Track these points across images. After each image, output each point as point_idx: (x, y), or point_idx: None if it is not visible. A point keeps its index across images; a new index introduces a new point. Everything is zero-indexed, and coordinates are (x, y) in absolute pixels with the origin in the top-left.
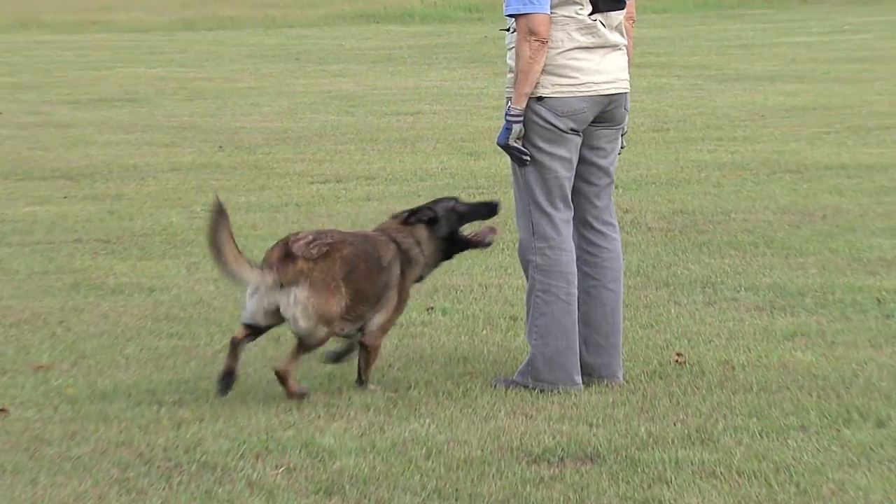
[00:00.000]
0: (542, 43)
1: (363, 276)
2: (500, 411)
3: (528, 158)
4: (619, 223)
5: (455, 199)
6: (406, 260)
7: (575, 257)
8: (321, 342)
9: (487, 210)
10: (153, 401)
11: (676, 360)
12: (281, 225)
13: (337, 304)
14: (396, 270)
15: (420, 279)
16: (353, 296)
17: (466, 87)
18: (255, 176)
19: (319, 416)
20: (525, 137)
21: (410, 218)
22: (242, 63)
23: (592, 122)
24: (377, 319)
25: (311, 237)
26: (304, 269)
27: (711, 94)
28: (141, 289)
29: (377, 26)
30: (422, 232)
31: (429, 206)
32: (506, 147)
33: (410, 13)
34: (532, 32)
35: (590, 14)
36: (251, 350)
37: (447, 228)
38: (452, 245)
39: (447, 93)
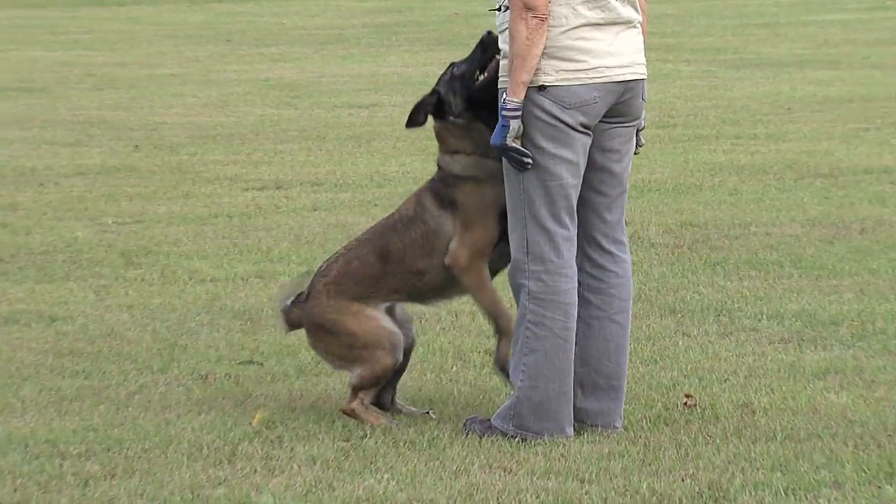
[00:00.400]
0: (542, 20)
1: (398, 243)
2: (473, 464)
3: (531, 161)
4: None
5: (452, 65)
6: (446, 178)
7: (576, 284)
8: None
9: (484, 50)
10: (55, 452)
11: (685, 403)
12: (209, 240)
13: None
14: (429, 202)
15: (485, 156)
16: (400, 261)
17: (432, 73)
18: (179, 181)
19: (255, 471)
20: (524, 136)
21: (413, 120)
22: (162, 45)
23: (604, 116)
24: (453, 244)
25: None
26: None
27: (727, 82)
28: (40, 317)
29: (325, 1)
30: (440, 129)
31: (430, 93)
32: (503, 149)
33: None
34: (529, 8)
35: None
36: (174, 392)
37: (461, 99)
38: (486, 107)
39: (409, 81)
